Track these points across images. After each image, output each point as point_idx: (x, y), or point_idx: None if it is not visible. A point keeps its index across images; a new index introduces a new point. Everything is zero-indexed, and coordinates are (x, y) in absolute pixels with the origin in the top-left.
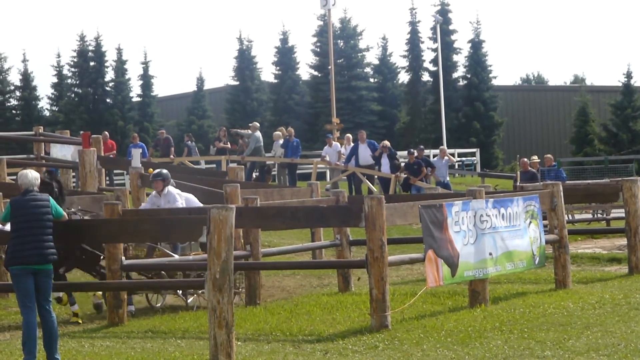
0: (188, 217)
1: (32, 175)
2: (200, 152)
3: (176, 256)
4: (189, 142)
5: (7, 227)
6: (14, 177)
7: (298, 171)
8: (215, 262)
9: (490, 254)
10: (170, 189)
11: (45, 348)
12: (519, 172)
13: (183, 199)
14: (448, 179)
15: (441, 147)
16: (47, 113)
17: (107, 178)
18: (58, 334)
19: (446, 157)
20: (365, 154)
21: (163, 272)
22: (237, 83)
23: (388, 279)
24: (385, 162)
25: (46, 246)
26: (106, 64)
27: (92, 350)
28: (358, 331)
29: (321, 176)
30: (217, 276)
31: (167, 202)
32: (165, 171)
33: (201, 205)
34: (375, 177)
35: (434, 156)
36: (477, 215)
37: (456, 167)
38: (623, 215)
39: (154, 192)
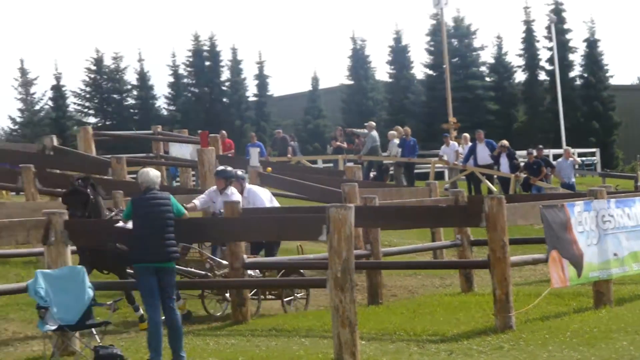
0: (307, 216)
1: (153, 174)
2: (317, 152)
3: (216, 258)
4: (292, 142)
5: (129, 224)
6: (134, 176)
7: (415, 171)
8: (336, 261)
9: (615, 254)
10: (233, 189)
11: (171, 345)
12: (639, 173)
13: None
14: (574, 180)
15: (565, 147)
16: (164, 112)
17: None
18: (182, 332)
19: (571, 158)
20: (483, 154)
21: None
22: (352, 82)
23: (511, 279)
24: (504, 161)
25: (168, 244)
26: (221, 64)
27: (217, 347)
28: (482, 332)
29: (439, 176)
30: (338, 275)
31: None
32: (229, 170)
33: (267, 205)
34: (495, 176)
35: (557, 157)
36: (599, 216)
37: (576, 167)
38: None
39: (214, 187)
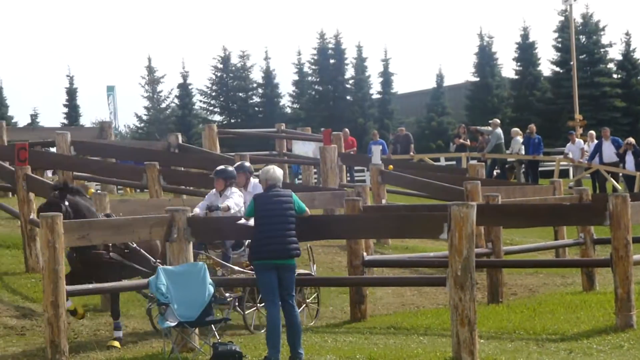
0: (429, 214)
1: (277, 172)
2: (439, 149)
3: (228, 264)
4: (397, 139)
5: (251, 222)
6: (257, 174)
7: (540, 168)
8: (456, 259)
9: None
10: (233, 189)
11: (289, 342)
12: None
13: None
14: None
15: None
16: (288, 110)
17: (348, 174)
18: (301, 329)
19: None
20: (609, 152)
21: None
22: (477, 79)
23: (633, 278)
24: (629, 159)
25: (289, 241)
26: (346, 62)
27: (335, 345)
28: (602, 330)
29: (563, 173)
30: (458, 273)
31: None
32: (229, 169)
33: None
34: (620, 174)
35: None
36: None
37: None
38: None
39: (213, 190)
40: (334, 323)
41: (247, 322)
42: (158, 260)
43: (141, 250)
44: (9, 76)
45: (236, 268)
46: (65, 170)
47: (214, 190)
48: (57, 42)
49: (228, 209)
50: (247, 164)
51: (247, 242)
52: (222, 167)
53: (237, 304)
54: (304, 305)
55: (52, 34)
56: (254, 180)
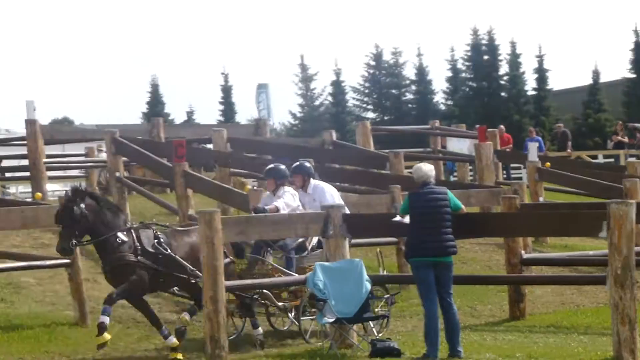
0: (586, 212)
1: (426, 168)
2: (597, 147)
3: (292, 272)
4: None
5: (407, 219)
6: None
7: None
8: (616, 258)
9: None
10: (286, 188)
11: (447, 340)
12: None
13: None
14: None
15: None
16: (442, 107)
17: (504, 172)
18: (460, 327)
19: None
20: None
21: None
22: (634, 76)
23: None
24: None
25: (445, 239)
26: (499, 58)
27: (494, 343)
28: None
29: None
30: (618, 272)
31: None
32: (280, 168)
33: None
34: None
35: None
36: None
37: None
38: None
39: (267, 193)
40: (492, 321)
41: (303, 331)
42: (195, 270)
43: (177, 257)
44: (165, 74)
45: (297, 276)
46: (222, 166)
47: (267, 192)
48: (213, 41)
49: (277, 210)
50: (308, 164)
51: (310, 245)
52: (271, 165)
53: (293, 312)
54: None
55: (207, 32)
56: (314, 182)
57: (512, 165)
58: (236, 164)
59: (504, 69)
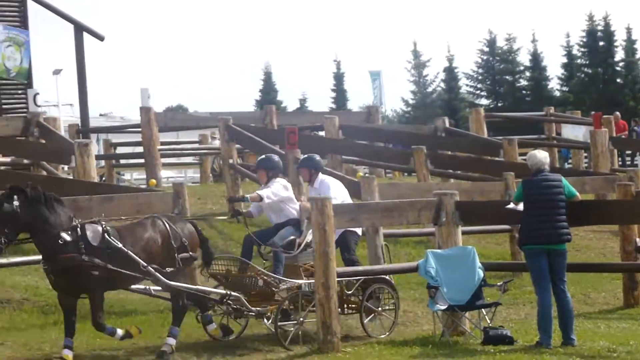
0: None
1: (540, 155)
2: None
3: (279, 271)
4: (637, 127)
5: (520, 206)
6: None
7: None
8: None
9: None
10: (279, 179)
11: (561, 328)
12: None
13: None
14: None
15: None
16: (557, 93)
17: (620, 159)
18: (573, 314)
19: None
20: None
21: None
22: None
23: None
24: None
25: (560, 226)
26: (615, 44)
27: (608, 331)
28: None
29: None
30: None
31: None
32: (274, 159)
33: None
34: None
35: None
36: None
37: None
38: None
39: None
40: (606, 309)
41: (280, 337)
42: (150, 266)
43: (129, 251)
44: (278, 62)
45: (287, 280)
46: (334, 154)
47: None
48: (325, 28)
49: (259, 199)
50: (317, 157)
51: (302, 242)
52: (263, 156)
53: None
54: (375, 313)
55: (320, 20)
56: (322, 177)
57: (628, 152)
58: (348, 151)
59: (619, 55)
